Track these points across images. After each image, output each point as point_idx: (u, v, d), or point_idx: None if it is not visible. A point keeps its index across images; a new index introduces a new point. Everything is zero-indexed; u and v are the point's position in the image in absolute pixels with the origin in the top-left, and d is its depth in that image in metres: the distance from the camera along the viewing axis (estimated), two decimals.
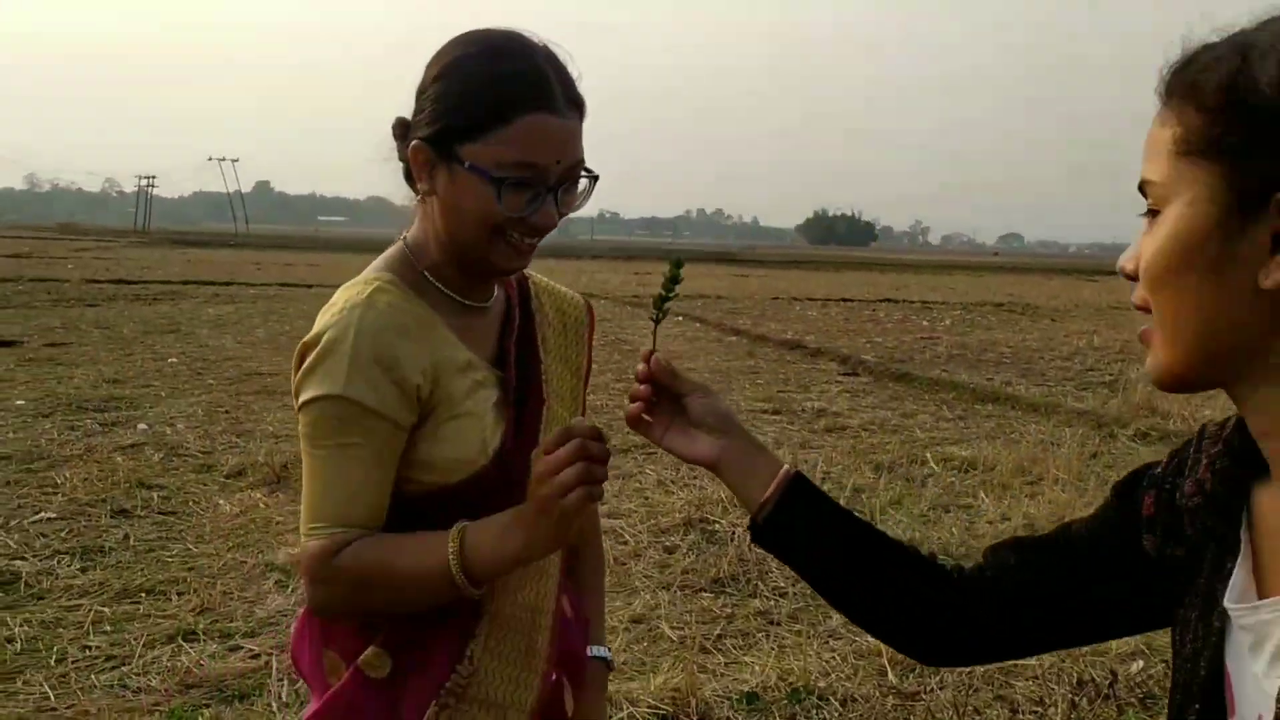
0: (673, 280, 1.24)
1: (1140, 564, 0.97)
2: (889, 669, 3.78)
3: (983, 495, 6.30)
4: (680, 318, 18.92)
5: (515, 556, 1.25)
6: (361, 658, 1.34)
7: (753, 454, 1.16)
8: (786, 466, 1.14)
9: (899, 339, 15.94)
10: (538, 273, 1.58)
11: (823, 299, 25.36)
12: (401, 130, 1.36)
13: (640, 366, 1.20)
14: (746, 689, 3.60)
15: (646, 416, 1.21)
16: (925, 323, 19.27)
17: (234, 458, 6.63)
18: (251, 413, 8.20)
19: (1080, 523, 1.06)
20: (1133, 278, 0.84)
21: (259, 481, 6.14)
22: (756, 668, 3.80)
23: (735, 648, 4.08)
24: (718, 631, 4.22)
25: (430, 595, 1.29)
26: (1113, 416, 9.11)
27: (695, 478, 6.33)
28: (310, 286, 23.01)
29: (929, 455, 7.35)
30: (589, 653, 1.60)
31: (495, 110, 1.26)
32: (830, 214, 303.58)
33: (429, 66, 1.33)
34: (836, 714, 3.46)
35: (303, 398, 1.30)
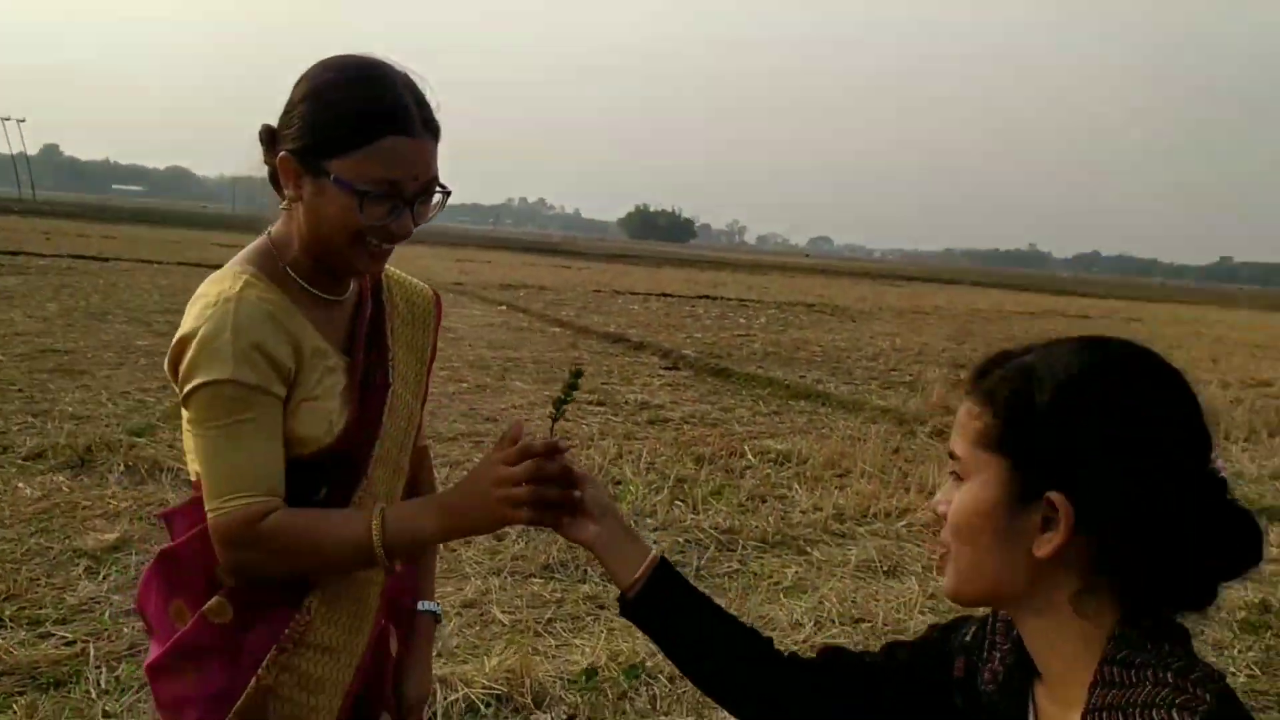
0: (571, 387, 1.42)
1: (944, 703, 1.18)
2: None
3: (797, 486, 6.64)
4: (503, 306, 18.91)
5: (433, 538, 1.42)
6: (206, 605, 1.46)
7: (626, 539, 1.32)
8: (654, 552, 1.32)
9: (717, 335, 16.41)
10: None
11: (644, 293, 25.78)
12: (269, 138, 1.48)
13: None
14: (579, 669, 3.71)
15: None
16: (742, 320, 19.89)
17: (31, 439, 6.25)
18: (48, 392, 7.73)
19: (903, 649, 1.26)
20: (936, 514, 1.08)
21: (60, 465, 5.83)
22: (587, 649, 3.92)
23: (566, 630, 4.19)
24: (548, 615, 4.32)
25: (349, 565, 1.47)
26: (913, 414, 9.71)
27: None
28: (107, 260, 21.70)
29: (747, 448, 7.66)
30: (419, 607, 1.78)
31: (359, 131, 1.40)
32: (651, 209, 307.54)
33: (297, 85, 1.46)
34: (666, 689, 3.61)
35: (192, 384, 1.40)
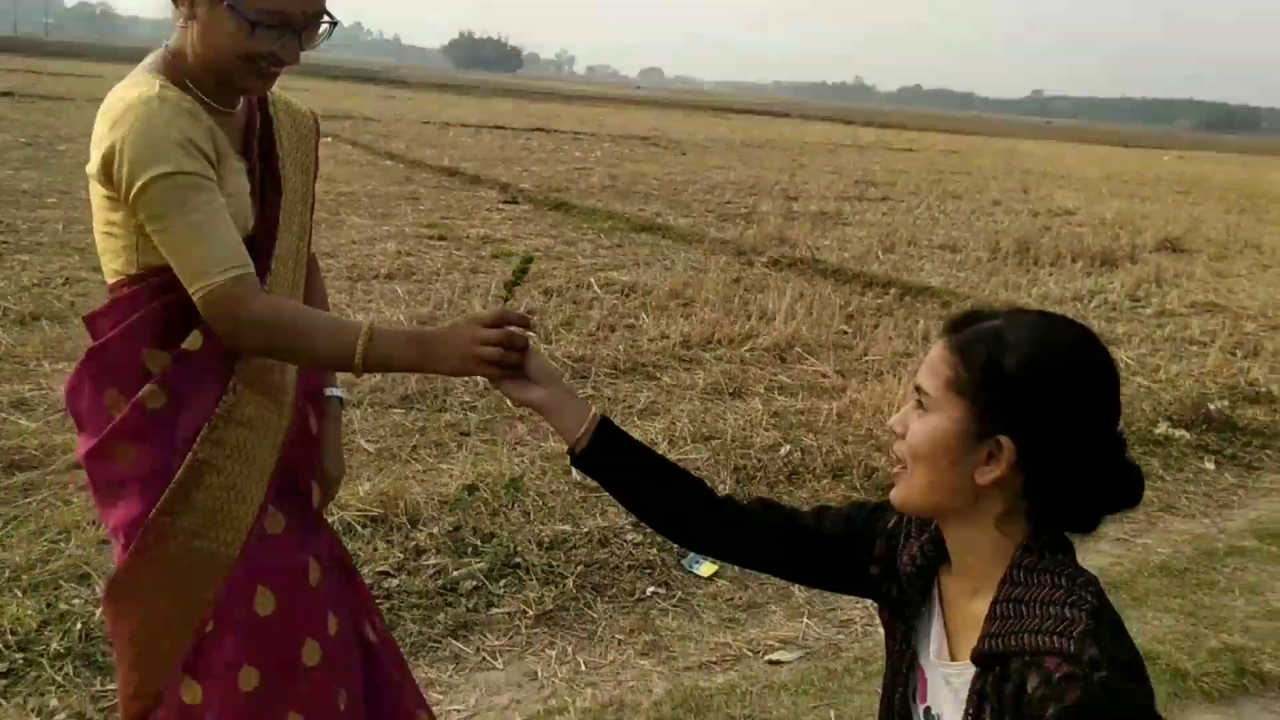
0: (521, 271, 1.66)
1: (861, 569, 1.44)
2: (573, 470, 4.19)
3: (644, 316, 6.87)
4: (329, 139, 18.14)
5: (405, 367, 1.58)
6: (141, 393, 1.59)
7: (570, 401, 1.51)
8: (595, 410, 1.50)
9: (554, 169, 16.29)
10: None
11: (476, 125, 25.12)
12: None
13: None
14: (451, 490, 3.87)
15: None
16: (578, 154, 19.75)
17: None
18: None
19: (831, 518, 1.49)
20: (895, 434, 1.31)
21: None
22: (455, 472, 4.08)
23: (431, 457, 4.33)
24: (413, 443, 4.44)
25: (325, 360, 1.66)
26: (750, 245, 10.03)
27: (371, 303, 6.40)
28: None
29: (593, 280, 7.82)
30: (326, 393, 1.95)
31: None
32: (477, 37, 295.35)
33: None
34: (536, 504, 3.83)
35: (142, 181, 1.48)
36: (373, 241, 8.84)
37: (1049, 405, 1.20)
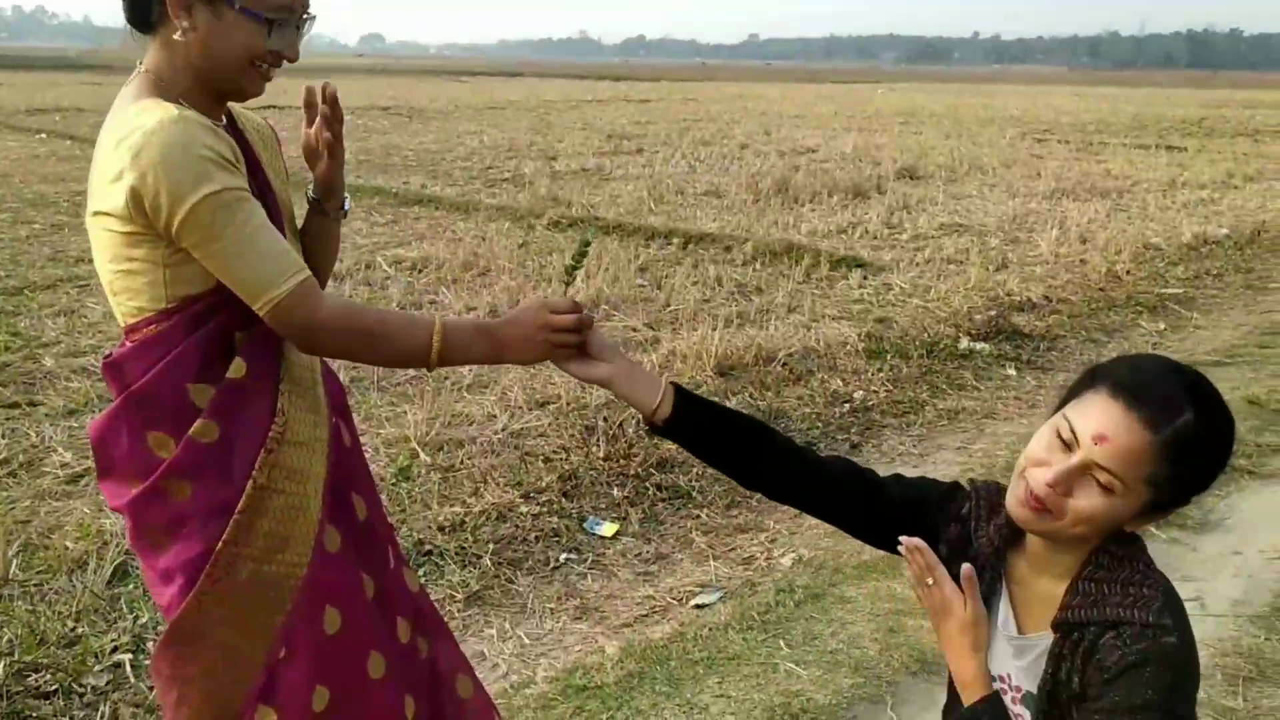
0: (581, 255, 1.70)
1: (929, 543, 1.47)
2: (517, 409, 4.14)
3: (445, 291, 6.77)
4: (43, 135, 16.61)
5: (479, 360, 1.65)
6: (193, 429, 1.56)
7: (639, 373, 1.59)
8: (665, 379, 1.57)
9: (298, 147, 15.52)
10: None
11: None
12: None
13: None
14: None
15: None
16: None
17: None
18: None
19: (904, 486, 1.59)
20: (1054, 488, 1.32)
21: None
22: None
23: None
24: None
25: (399, 358, 1.68)
26: (526, 209, 10.03)
27: None
28: None
29: (380, 260, 7.61)
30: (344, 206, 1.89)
31: None
32: None
33: None
34: (424, 490, 3.78)
35: (186, 206, 1.45)
36: None
37: (1208, 478, 1.34)
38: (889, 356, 5.60)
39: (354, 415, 2.10)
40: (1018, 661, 1.44)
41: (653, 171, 13.48)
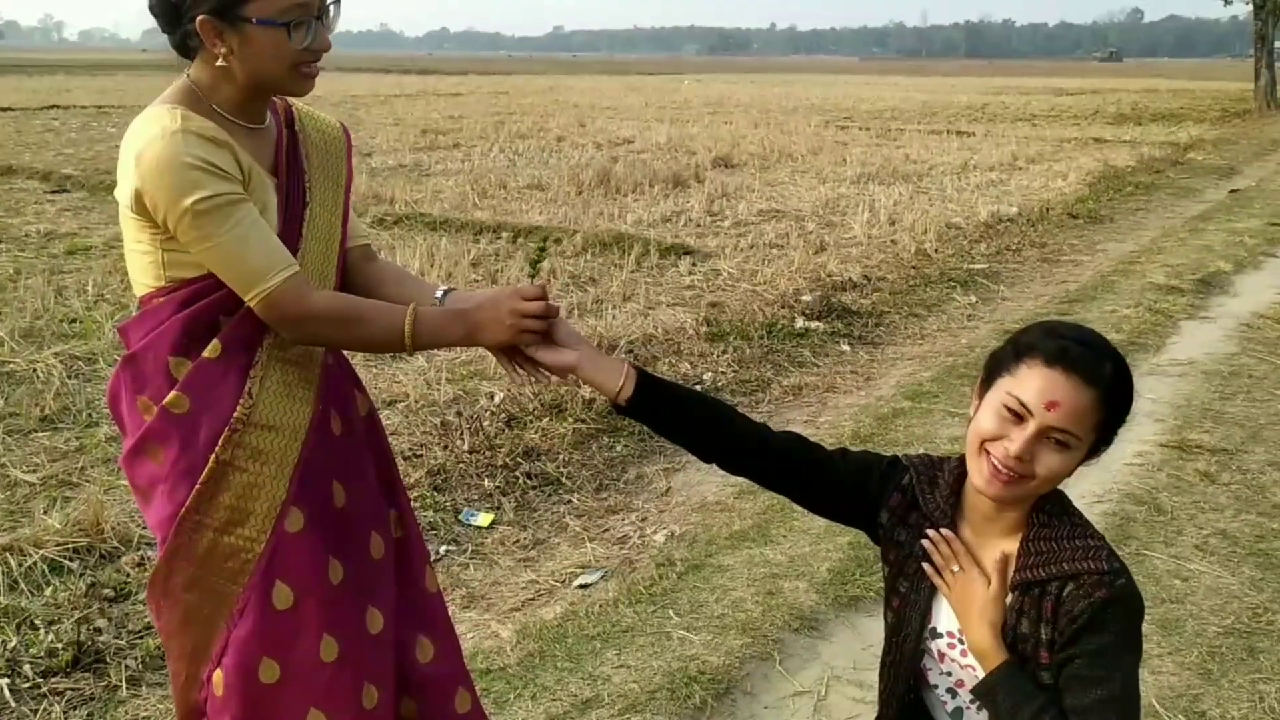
0: (541, 250, 2.09)
1: (872, 511, 1.68)
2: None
3: None
4: None
5: (454, 342, 1.76)
6: (166, 399, 1.68)
7: (602, 358, 1.71)
8: (627, 362, 1.69)
9: (94, 149, 14.72)
10: None
11: None
12: (170, 10, 1.64)
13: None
14: None
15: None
16: (112, 129, 17.87)
17: None
18: None
19: (851, 460, 1.71)
20: (1021, 459, 1.47)
21: None
22: None
23: (110, 475, 3.96)
24: (79, 464, 4.03)
25: (379, 343, 1.83)
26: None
27: None
28: None
29: None
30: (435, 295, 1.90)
31: None
32: None
33: None
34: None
35: (176, 213, 1.58)
36: None
37: (1129, 410, 1.52)
38: (731, 339, 5.79)
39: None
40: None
41: (472, 166, 13.41)
